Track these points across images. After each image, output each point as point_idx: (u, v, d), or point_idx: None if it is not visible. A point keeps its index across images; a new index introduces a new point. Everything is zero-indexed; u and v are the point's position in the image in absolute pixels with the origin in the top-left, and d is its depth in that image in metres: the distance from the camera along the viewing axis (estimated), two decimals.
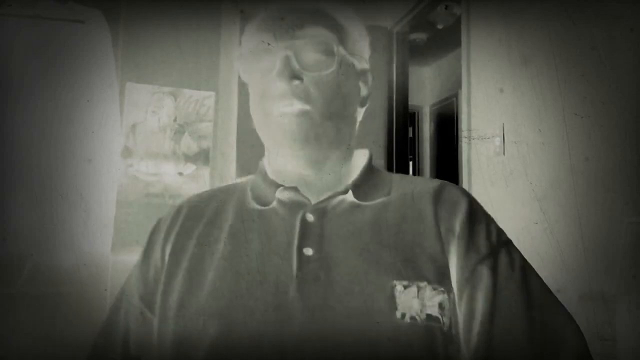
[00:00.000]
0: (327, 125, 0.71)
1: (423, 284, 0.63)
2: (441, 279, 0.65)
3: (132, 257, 2.42)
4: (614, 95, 1.39)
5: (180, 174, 2.23)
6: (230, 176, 2.30)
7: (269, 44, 0.72)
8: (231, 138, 2.31)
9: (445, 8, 2.70)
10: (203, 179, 2.25)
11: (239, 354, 0.63)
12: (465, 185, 2.02)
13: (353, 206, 0.72)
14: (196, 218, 0.75)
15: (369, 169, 0.77)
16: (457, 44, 2.23)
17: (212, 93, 2.29)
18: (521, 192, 1.64)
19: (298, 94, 0.70)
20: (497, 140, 1.80)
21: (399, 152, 2.61)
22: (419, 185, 0.75)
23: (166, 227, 0.76)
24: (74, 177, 2.01)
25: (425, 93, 3.86)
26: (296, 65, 0.70)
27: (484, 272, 0.66)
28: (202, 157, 2.26)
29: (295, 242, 0.69)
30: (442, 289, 0.64)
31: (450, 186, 0.75)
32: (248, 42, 0.75)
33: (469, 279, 0.66)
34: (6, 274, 1.93)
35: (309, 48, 0.71)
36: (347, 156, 0.77)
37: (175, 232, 0.75)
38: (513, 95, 1.79)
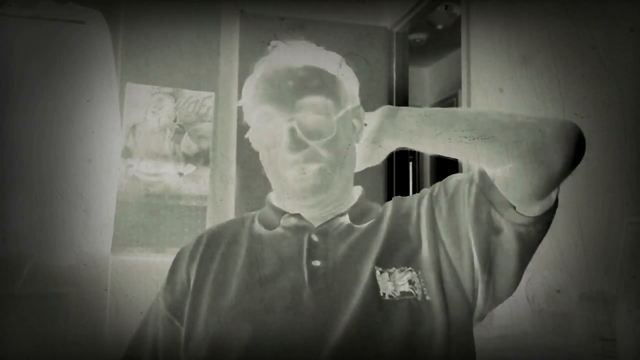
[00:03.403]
0: (336, 173, 0.83)
1: (392, 269, 0.78)
2: (409, 261, 0.80)
3: (132, 257, 2.41)
4: (614, 95, 1.39)
5: (181, 174, 2.24)
6: (230, 176, 2.30)
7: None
8: (231, 138, 2.31)
9: (445, 8, 2.70)
10: (203, 179, 2.25)
11: (265, 347, 0.75)
12: None
13: (349, 228, 0.85)
14: (216, 243, 0.88)
15: (363, 199, 0.91)
16: (457, 44, 2.24)
17: (212, 93, 2.29)
18: None
19: (309, 158, 0.81)
20: None
21: (399, 152, 2.61)
22: (407, 201, 0.89)
23: (189, 252, 0.88)
24: (74, 177, 2.01)
25: (425, 93, 3.86)
26: (302, 137, 0.80)
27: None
28: (202, 157, 2.26)
29: (305, 256, 0.81)
30: (410, 268, 0.79)
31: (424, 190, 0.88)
32: (252, 113, 0.85)
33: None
34: (6, 274, 1.93)
35: (309, 118, 0.81)
36: (347, 190, 0.89)
37: (199, 255, 0.87)
38: (513, 95, 1.79)
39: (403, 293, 0.77)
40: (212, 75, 2.32)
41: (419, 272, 0.79)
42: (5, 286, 1.92)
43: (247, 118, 0.87)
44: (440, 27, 2.93)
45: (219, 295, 0.81)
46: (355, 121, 0.88)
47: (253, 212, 0.94)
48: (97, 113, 2.08)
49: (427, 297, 0.77)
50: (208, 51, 2.32)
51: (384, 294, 0.76)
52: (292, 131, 0.79)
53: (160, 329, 0.86)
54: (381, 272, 0.78)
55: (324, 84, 0.84)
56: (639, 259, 1.24)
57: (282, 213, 0.87)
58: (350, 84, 0.89)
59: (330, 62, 0.86)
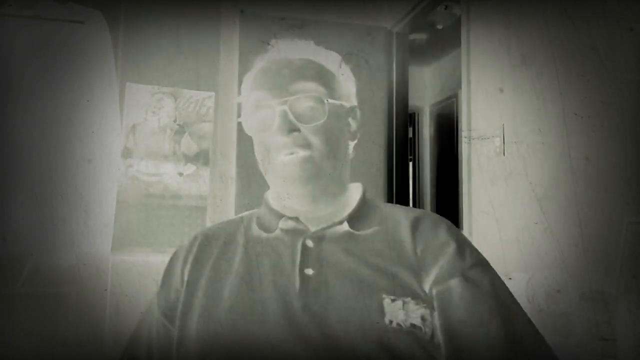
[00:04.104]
0: (326, 165, 0.81)
1: (407, 299, 0.74)
2: (423, 298, 0.75)
3: (132, 257, 2.41)
4: (614, 95, 1.39)
5: (181, 174, 2.23)
6: (230, 176, 2.30)
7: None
8: (231, 138, 2.31)
9: (445, 8, 2.70)
10: (203, 179, 2.25)
11: (256, 356, 0.73)
12: (465, 185, 2.02)
13: (347, 235, 0.83)
14: (210, 245, 0.86)
15: (363, 202, 0.87)
16: (457, 44, 2.23)
17: (212, 93, 2.29)
18: (521, 192, 1.65)
19: (299, 143, 0.80)
20: (497, 140, 1.80)
21: (399, 152, 2.61)
22: (401, 216, 0.85)
23: (184, 254, 0.87)
24: (74, 177, 2.01)
25: (425, 93, 3.86)
26: (293, 119, 0.80)
27: (457, 288, 0.76)
28: (202, 157, 2.26)
29: (298, 263, 0.79)
30: (425, 305, 0.75)
31: (427, 216, 0.85)
32: (247, 99, 0.86)
33: (441, 295, 0.76)
34: (6, 274, 1.93)
35: (301, 102, 0.81)
36: (343, 190, 0.86)
37: (192, 257, 0.85)
38: (513, 95, 1.79)
39: (413, 326, 0.73)
40: (212, 75, 2.31)
41: (432, 312, 0.74)
42: (5, 286, 1.92)
43: (243, 113, 0.87)
44: (440, 27, 2.93)
45: (211, 300, 0.79)
46: (351, 120, 0.88)
47: (250, 212, 0.92)
48: (97, 113, 2.08)
49: (436, 340, 0.73)
50: (208, 51, 2.32)
51: (392, 321, 0.73)
52: (284, 113, 0.80)
53: (154, 334, 0.85)
54: (393, 300, 0.74)
55: (319, 73, 0.84)
56: (639, 259, 1.24)
57: (280, 216, 0.85)
58: (347, 82, 0.89)
59: (330, 59, 0.87)
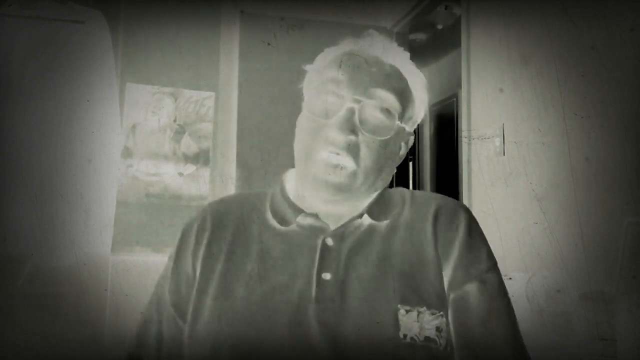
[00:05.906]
0: (365, 181, 0.78)
1: (423, 309, 0.72)
2: (440, 303, 0.73)
3: (132, 257, 2.41)
4: (614, 95, 1.39)
5: (181, 174, 2.23)
6: (230, 176, 2.30)
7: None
8: (231, 138, 2.31)
9: (445, 8, 2.70)
10: (203, 179, 2.25)
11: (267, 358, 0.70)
12: (465, 186, 2.02)
13: (369, 227, 0.79)
14: (222, 230, 0.81)
15: (382, 192, 0.84)
16: (457, 44, 2.24)
17: (212, 93, 2.29)
18: (521, 192, 1.65)
19: (349, 149, 0.75)
20: (497, 141, 1.80)
21: None
22: (422, 206, 0.82)
23: (194, 238, 0.82)
24: (74, 177, 2.01)
25: None
26: (357, 122, 0.75)
27: (474, 293, 0.75)
28: (202, 157, 2.26)
29: (316, 266, 0.75)
30: (441, 313, 0.72)
31: (447, 207, 0.81)
32: (320, 74, 0.80)
33: (458, 301, 0.75)
34: (6, 274, 1.93)
35: (373, 110, 0.77)
36: (368, 195, 0.82)
37: (204, 244, 0.80)
38: (513, 95, 1.79)
39: (427, 339, 0.70)
40: (212, 75, 2.31)
41: (446, 320, 0.72)
42: (5, 286, 1.92)
43: (307, 83, 0.83)
44: (440, 27, 2.93)
45: (223, 297, 0.76)
46: (403, 145, 0.84)
47: (263, 194, 0.86)
48: (97, 113, 2.08)
49: (449, 348, 0.71)
50: (208, 51, 2.32)
51: (405, 335, 0.70)
52: (351, 112, 0.75)
53: (164, 328, 0.81)
54: (408, 311, 0.71)
55: (403, 90, 0.80)
56: (639, 259, 1.24)
57: (298, 210, 0.80)
58: (420, 109, 0.85)
59: (416, 79, 0.83)
